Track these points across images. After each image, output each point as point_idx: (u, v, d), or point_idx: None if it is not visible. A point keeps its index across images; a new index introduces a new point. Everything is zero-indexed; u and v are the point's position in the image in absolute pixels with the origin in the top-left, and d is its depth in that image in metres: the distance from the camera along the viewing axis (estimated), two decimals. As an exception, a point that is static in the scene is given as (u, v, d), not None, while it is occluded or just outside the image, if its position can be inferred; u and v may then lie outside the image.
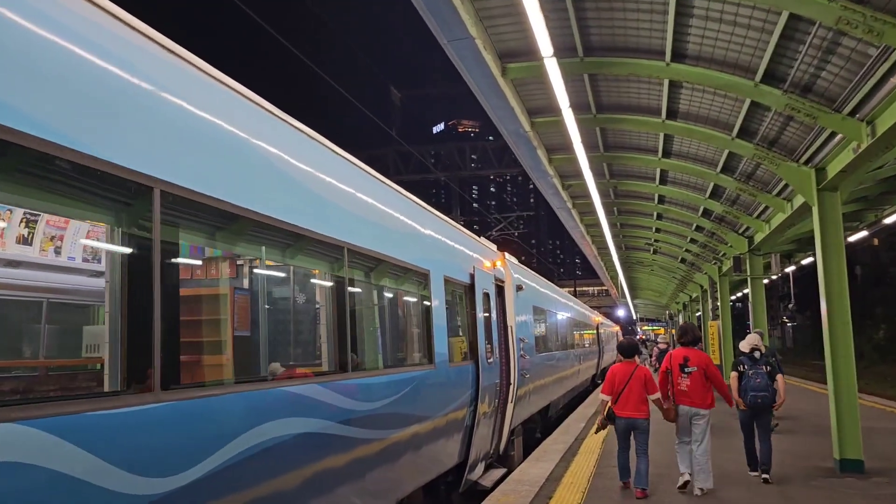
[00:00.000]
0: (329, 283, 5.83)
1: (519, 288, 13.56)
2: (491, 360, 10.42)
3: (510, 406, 11.75)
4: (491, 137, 31.72)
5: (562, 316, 21.51)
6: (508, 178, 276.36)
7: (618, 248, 26.23)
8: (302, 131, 5.58)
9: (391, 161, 35.28)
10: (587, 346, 29.95)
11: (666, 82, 10.54)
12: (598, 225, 20.43)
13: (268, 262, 4.97)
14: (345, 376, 5.57)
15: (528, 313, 14.61)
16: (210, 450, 3.76)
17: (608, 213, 19.42)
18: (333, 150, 6.18)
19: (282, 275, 5.17)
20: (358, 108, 19.53)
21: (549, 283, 21.73)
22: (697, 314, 36.29)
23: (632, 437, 8.86)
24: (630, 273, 37.49)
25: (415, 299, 8.05)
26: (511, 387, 11.77)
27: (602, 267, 34.60)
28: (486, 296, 10.66)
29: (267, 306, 4.81)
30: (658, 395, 8.78)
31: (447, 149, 39.10)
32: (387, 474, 6.49)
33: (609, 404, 8.90)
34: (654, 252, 28.41)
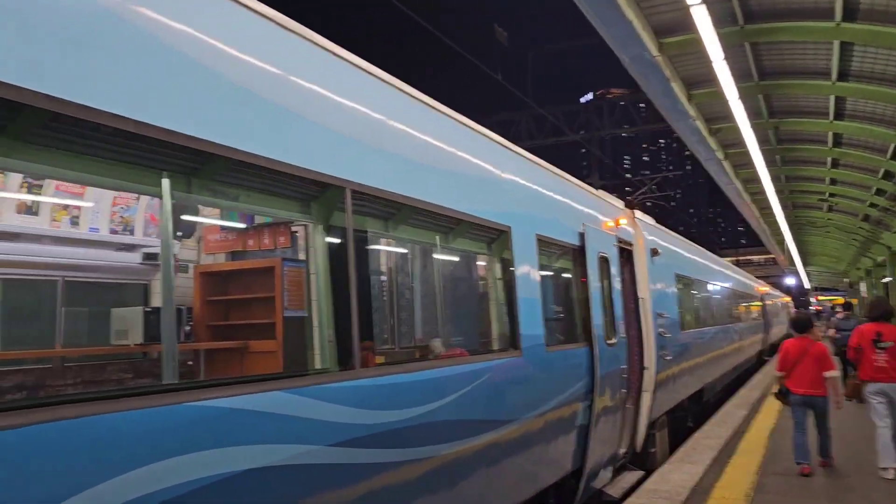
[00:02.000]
0: (318, 242, 4.04)
1: (654, 252, 11.32)
2: (613, 340, 8.45)
3: (647, 395, 10.03)
4: (643, 105, 30.35)
5: (715, 286, 18.90)
6: (663, 144, 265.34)
7: (783, 206, 22.78)
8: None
9: (524, 125, 33.78)
10: (750, 319, 26.80)
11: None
12: (757, 180, 17.39)
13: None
14: (343, 376, 3.79)
15: (669, 283, 12.34)
16: None
17: (769, 162, 16.33)
18: (331, 51, 4.32)
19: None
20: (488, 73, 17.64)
21: (699, 248, 19.03)
22: (884, 280, 31.75)
23: (811, 419, 8.64)
24: (800, 236, 33.38)
25: (486, 266, 6.13)
26: (647, 371, 10.02)
27: (766, 231, 30.77)
28: (604, 261, 8.60)
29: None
30: (835, 372, 8.69)
31: (586, 108, 37.02)
32: None
33: (783, 381, 8.80)
34: (829, 209, 24.73)
